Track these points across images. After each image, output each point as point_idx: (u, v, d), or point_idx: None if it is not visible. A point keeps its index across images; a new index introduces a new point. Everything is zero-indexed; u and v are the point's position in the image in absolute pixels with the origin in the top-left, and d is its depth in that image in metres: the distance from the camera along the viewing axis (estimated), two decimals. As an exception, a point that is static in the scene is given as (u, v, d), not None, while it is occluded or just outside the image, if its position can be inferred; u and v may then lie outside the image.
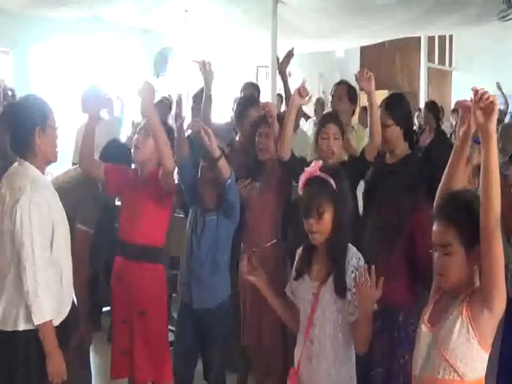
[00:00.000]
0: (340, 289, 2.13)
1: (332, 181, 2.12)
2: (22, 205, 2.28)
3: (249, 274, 2.33)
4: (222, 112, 5.44)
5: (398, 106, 3.05)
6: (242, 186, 3.12)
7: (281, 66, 4.22)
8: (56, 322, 2.38)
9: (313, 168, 2.16)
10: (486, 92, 1.64)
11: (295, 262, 2.34)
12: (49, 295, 2.33)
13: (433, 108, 6.31)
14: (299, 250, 2.32)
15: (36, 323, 2.29)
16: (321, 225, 2.13)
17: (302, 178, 2.19)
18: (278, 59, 4.34)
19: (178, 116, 3.01)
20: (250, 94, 4.31)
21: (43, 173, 2.46)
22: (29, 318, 2.30)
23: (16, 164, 2.46)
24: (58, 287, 2.40)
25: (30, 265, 2.27)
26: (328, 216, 2.12)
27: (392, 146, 3.01)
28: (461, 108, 1.75)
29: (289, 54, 4.20)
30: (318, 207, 2.11)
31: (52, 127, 2.45)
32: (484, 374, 1.83)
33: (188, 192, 3.04)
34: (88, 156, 2.98)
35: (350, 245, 2.20)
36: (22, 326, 2.32)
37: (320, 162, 2.21)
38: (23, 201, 2.29)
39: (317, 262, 2.22)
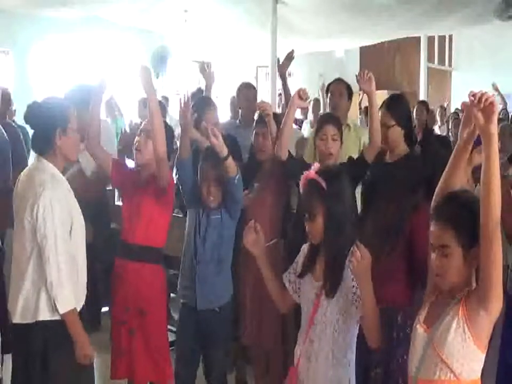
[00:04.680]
0: (330, 288, 2.13)
1: (323, 183, 2.13)
2: (44, 200, 2.37)
3: (252, 245, 2.33)
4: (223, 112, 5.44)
5: (399, 107, 3.06)
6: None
7: (281, 68, 4.22)
8: None
9: (310, 171, 2.18)
10: (484, 94, 1.64)
11: (299, 258, 2.34)
12: (71, 285, 2.43)
13: (427, 108, 6.43)
14: (305, 246, 2.33)
15: (61, 312, 2.39)
16: (313, 227, 2.16)
17: (301, 181, 2.21)
18: (278, 60, 4.35)
19: (185, 116, 2.95)
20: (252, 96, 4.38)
21: (60, 170, 2.54)
22: (48, 309, 2.40)
23: (34, 161, 2.54)
24: (74, 280, 2.48)
25: (53, 257, 2.36)
26: (320, 218, 2.13)
27: (393, 146, 3.02)
28: (465, 108, 1.75)
29: (289, 57, 4.20)
30: (310, 210, 2.15)
31: (72, 129, 2.53)
32: (479, 374, 1.82)
33: (188, 193, 3.03)
34: (94, 137, 2.97)
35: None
36: (40, 317, 2.41)
37: (317, 164, 2.23)
38: (44, 196, 2.37)
39: (320, 262, 2.23)
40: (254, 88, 4.60)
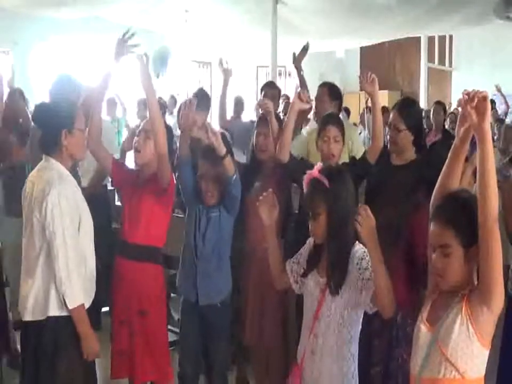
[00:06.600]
0: (334, 287, 2.14)
1: (326, 182, 2.14)
2: (52, 197, 2.40)
3: (265, 212, 2.33)
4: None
5: (412, 113, 3.02)
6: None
7: (296, 62, 4.29)
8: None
9: (314, 170, 2.19)
10: (477, 92, 1.65)
11: (304, 250, 2.35)
12: (80, 281, 2.46)
13: (444, 108, 6.40)
14: (310, 239, 2.33)
15: (70, 307, 2.42)
16: (317, 226, 2.17)
17: (305, 181, 2.22)
18: (294, 54, 4.40)
19: (186, 117, 2.95)
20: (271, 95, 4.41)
21: (67, 169, 2.57)
22: (58, 305, 2.43)
23: (42, 161, 2.57)
24: (83, 276, 2.51)
25: (62, 253, 2.39)
26: (323, 217, 2.15)
27: (401, 150, 3.00)
28: (461, 106, 1.75)
29: (304, 50, 4.27)
30: (313, 209, 2.17)
31: (79, 128, 2.56)
32: (483, 372, 1.82)
33: (187, 191, 3.04)
34: (95, 138, 2.96)
35: (357, 243, 2.19)
36: (50, 313, 2.44)
37: (320, 164, 2.23)
38: (52, 193, 2.40)
39: (324, 259, 2.24)
40: (277, 87, 4.65)
